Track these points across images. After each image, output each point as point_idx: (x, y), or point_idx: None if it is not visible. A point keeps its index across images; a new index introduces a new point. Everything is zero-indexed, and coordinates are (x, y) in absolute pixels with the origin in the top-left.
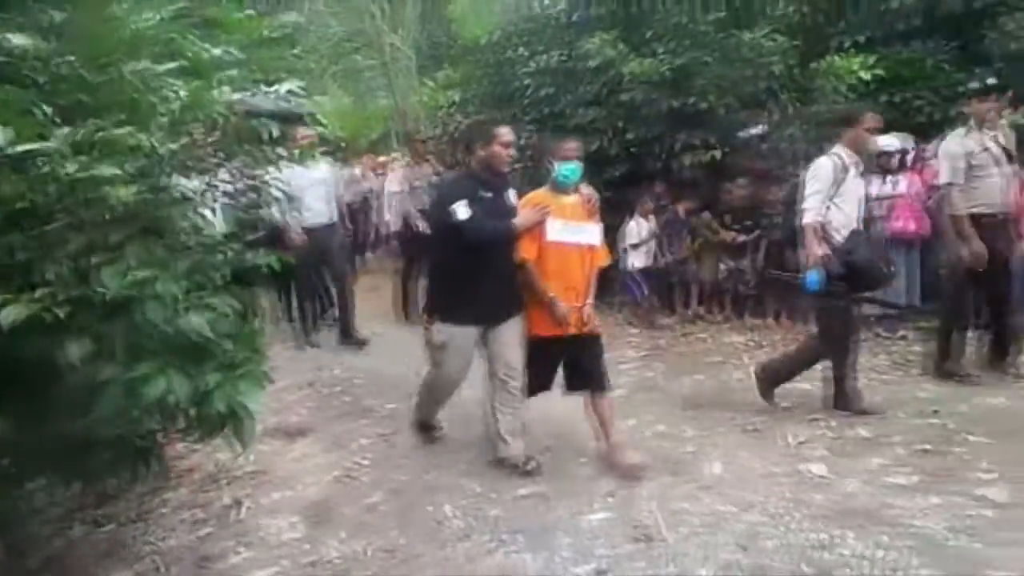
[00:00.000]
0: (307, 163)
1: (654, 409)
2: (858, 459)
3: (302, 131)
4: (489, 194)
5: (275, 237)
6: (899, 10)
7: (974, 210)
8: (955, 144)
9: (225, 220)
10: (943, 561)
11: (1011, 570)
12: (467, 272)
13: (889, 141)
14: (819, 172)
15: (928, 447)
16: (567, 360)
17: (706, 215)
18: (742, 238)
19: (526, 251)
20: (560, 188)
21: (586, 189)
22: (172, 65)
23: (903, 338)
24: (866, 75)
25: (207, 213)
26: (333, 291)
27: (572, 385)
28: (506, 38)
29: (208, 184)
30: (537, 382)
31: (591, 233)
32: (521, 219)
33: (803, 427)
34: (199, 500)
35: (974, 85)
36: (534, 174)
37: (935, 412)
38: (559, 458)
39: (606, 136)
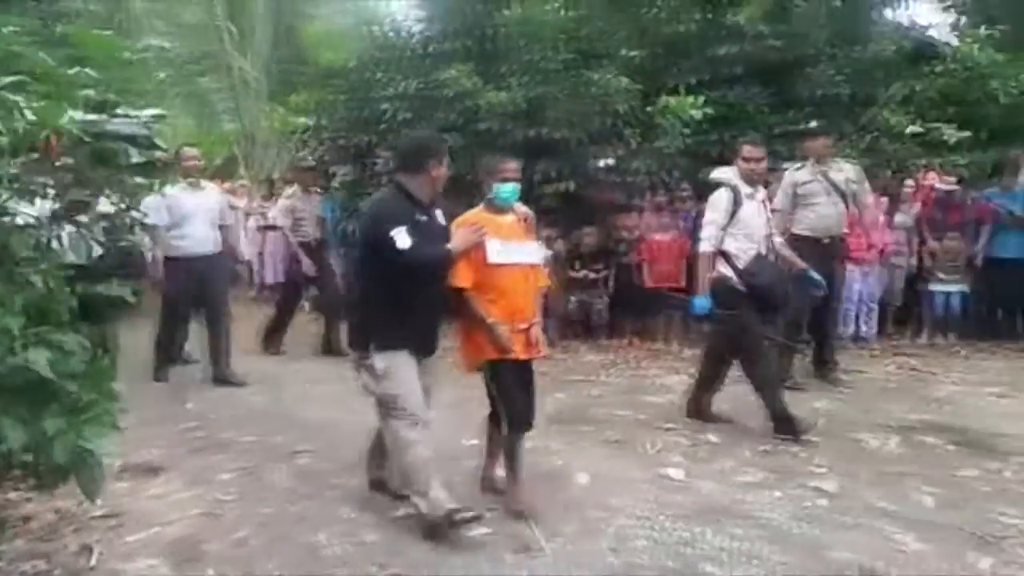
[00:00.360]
0: (190, 187)
1: None
2: (711, 462)
3: (187, 152)
4: (424, 217)
5: (137, 268)
6: (723, 58)
7: (802, 233)
8: (788, 175)
9: (77, 249)
10: (790, 547)
11: (845, 550)
12: (402, 299)
13: (725, 174)
14: (714, 202)
15: (768, 448)
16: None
17: (559, 246)
18: (592, 276)
19: (462, 278)
20: (496, 208)
21: (520, 207)
22: (12, 79)
23: None
24: (698, 115)
25: (55, 241)
26: (205, 326)
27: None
28: (363, 65)
29: (57, 210)
30: (520, 410)
31: (533, 252)
32: (458, 241)
33: (660, 436)
34: (40, 550)
35: (812, 125)
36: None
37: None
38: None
39: (464, 163)
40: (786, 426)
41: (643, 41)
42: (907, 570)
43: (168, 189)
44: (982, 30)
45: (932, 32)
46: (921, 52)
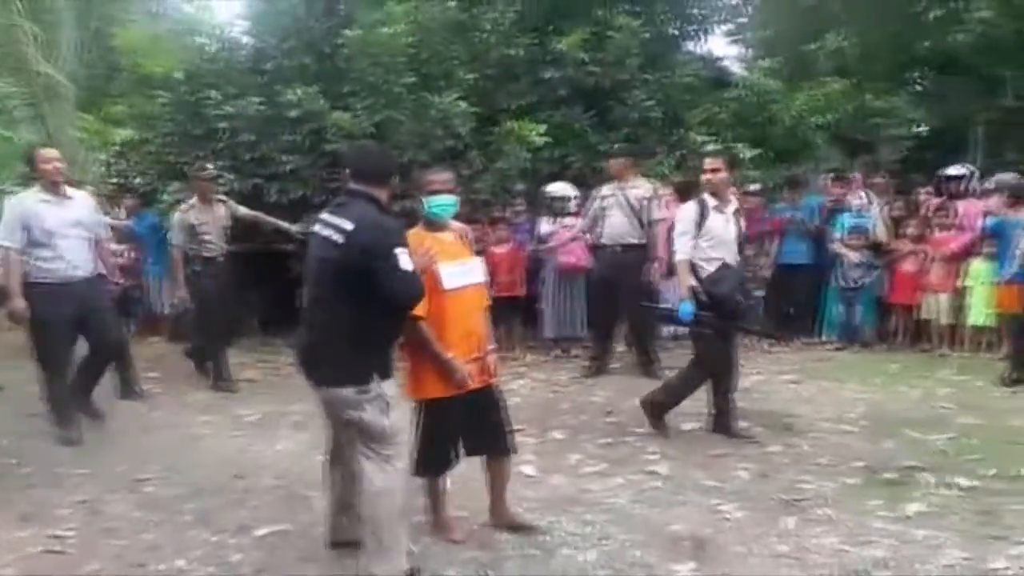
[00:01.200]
0: (53, 197)
1: None
2: (559, 457)
3: (45, 154)
4: None
5: None
6: (550, 81)
7: (601, 242)
8: (595, 192)
9: None
10: (633, 526)
11: (680, 524)
12: (394, 324)
13: (561, 189)
14: (682, 215)
15: (610, 440)
16: (466, 421)
17: None
18: None
19: (418, 307)
20: (435, 226)
21: (455, 223)
22: None
23: (576, 356)
24: (538, 138)
25: None
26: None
27: (471, 448)
28: (191, 77)
29: None
30: (437, 456)
31: (479, 270)
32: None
33: None
34: None
35: (620, 146)
36: None
37: (609, 412)
38: (293, 494)
39: (310, 184)
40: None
41: (477, 65)
42: (730, 535)
43: (23, 200)
44: (765, 61)
45: (726, 63)
46: (718, 80)
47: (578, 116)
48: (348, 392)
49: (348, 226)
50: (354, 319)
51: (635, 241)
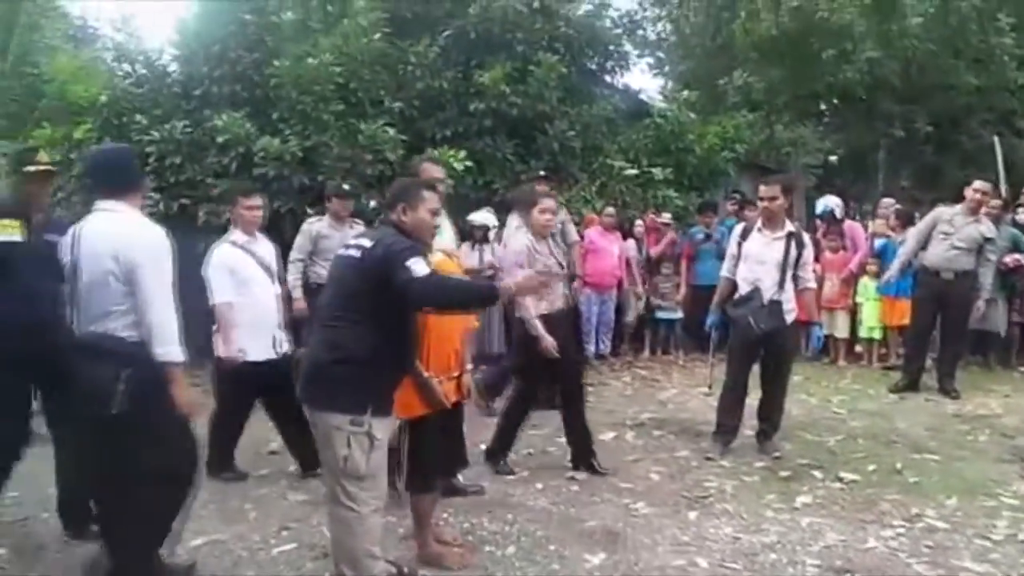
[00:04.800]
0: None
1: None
2: (486, 467)
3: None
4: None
5: None
6: (475, 112)
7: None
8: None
9: None
10: (551, 524)
11: (594, 520)
12: (399, 353)
13: (483, 217)
14: (733, 237)
15: (532, 451)
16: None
17: None
18: None
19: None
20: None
21: (446, 243)
22: None
23: None
24: (459, 165)
25: None
26: None
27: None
28: (116, 102)
29: None
30: (424, 473)
31: None
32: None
33: None
34: None
35: (541, 173)
36: None
37: (534, 425)
38: (227, 504)
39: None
40: None
41: (404, 95)
42: (639, 528)
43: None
44: (684, 93)
45: (646, 95)
46: (638, 111)
47: (501, 145)
48: (341, 419)
49: (367, 243)
50: (361, 338)
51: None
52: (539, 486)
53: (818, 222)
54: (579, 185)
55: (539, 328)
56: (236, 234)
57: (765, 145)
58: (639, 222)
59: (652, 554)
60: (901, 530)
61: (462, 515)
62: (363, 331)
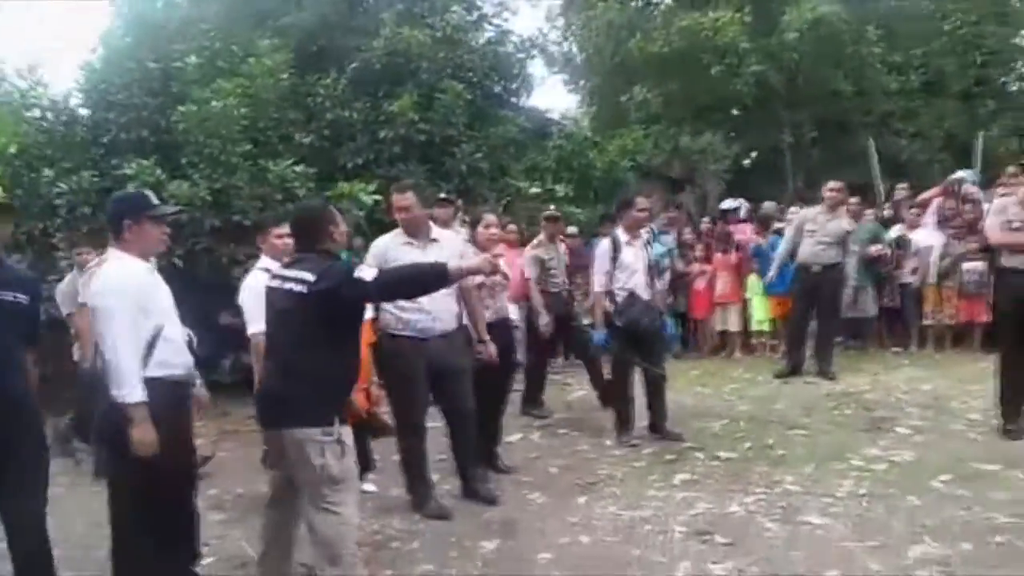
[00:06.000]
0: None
1: None
2: (398, 474)
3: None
4: None
5: None
6: (384, 140)
7: None
8: None
9: None
10: (456, 520)
11: (495, 512)
12: (349, 365)
13: None
14: (599, 252)
15: (443, 456)
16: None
17: None
18: None
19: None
20: None
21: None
22: None
23: None
24: (367, 198)
25: None
26: None
27: None
28: (25, 151)
29: None
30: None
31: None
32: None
33: None
34: None
35: (442, 196)
36: None
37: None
38: None
39: None
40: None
41: (314, 127)
42: (533, 515)
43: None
44: (583, 110)
45: (552, 113)
46: (543, 130)
47: (412, 170)
48: (312, 432)
49: (310, 277)
50: (318, 360)
51: None
52: (447, 487)
53: (704, 227)
54: (487, 205)
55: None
56: (266, 261)
57: (672, 155)
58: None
59: (541, 536)
60: (762, 496)
61: (372, 518)
62: (316, 353)
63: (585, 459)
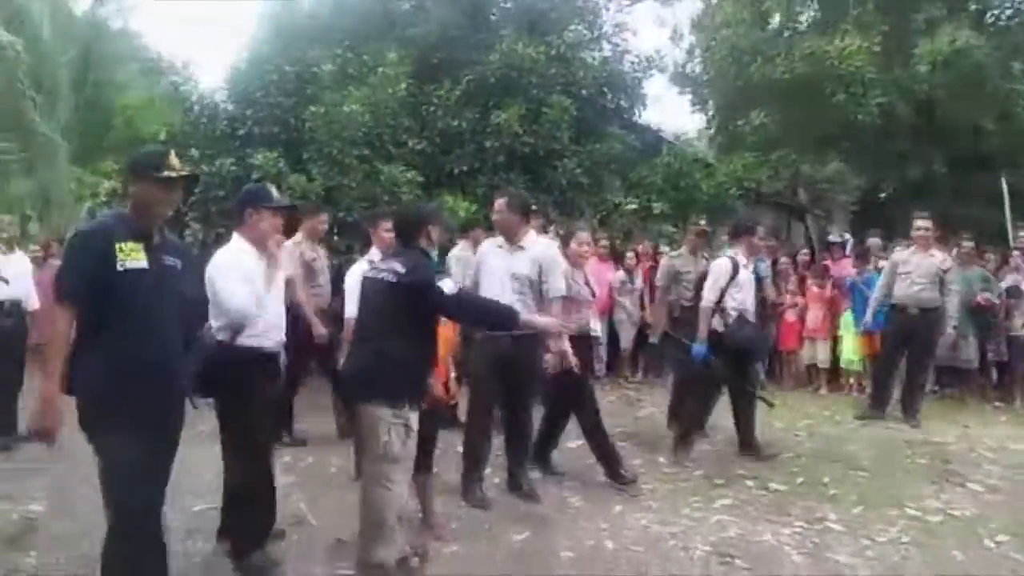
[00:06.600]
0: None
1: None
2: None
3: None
4: None
5: None
6: (490, 150)
7: None
8: None
9: None
10: (496, 511)
11: (532, 508)
12: (427, 354)
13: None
14: (716, 269)
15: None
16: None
17: None
18: None
19: None
20: None
21: None
22: None
23: None
24: (463, 212)
25: None
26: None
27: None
28: (174, 138)
29: None
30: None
31: None
32: None
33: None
34: None
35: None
36: None
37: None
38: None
39: None
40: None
41: (425, 134)
42: (567, 516)
43: None
44: (693, 132)
45: (667, 132)
46: (655, 146)
47: (514, 180)
48: (385, 411)
49: (401, 268)
50: (399, 346)
51: None
52: (496, 480)
53: (800, 258)
54: (582, 219)
55: (566, 343)
56: (374, 252)
57: (793, 182)
58: (629, 253)
59: (569, 536)
60: (799, 529)
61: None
62: (399, 339)
63: (635, 473)
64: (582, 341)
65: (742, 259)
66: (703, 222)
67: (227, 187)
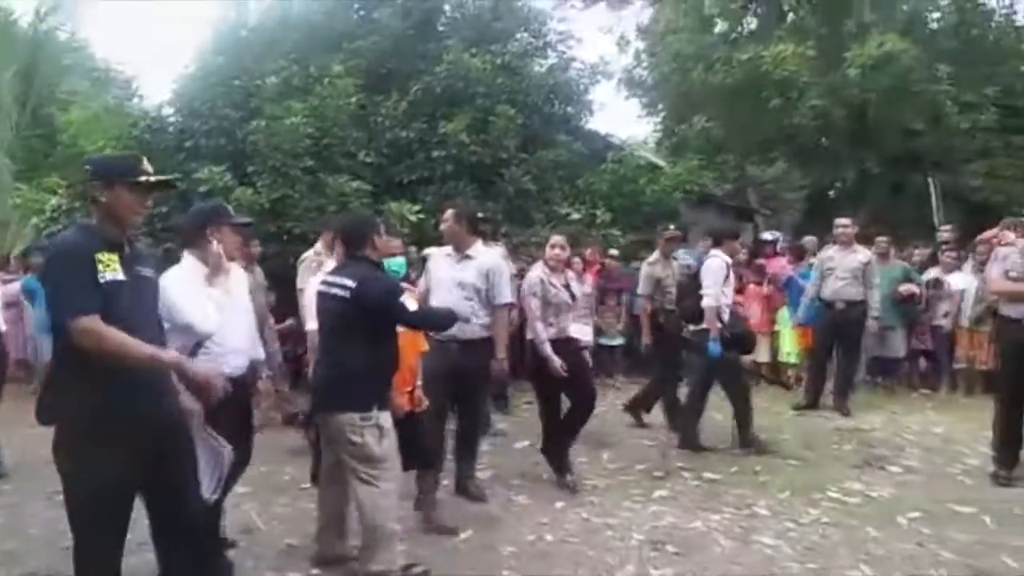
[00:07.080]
0: None
1: None
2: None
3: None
4: None
5: None
6: (438, 159)
7: None
8: None
9: None
10: (445, 512)
11: (479, 508)
12: (388, 360)
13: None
14: (714, 270)
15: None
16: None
17: None
18: None
19: None
20: None
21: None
22: None
23: None
24: (413, 217)
25: None
26: None
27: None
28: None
29: None
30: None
31: None
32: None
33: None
34: None
35: (480, 215)
36: None
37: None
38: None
39: None
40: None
41: (374, 145)
42: (512, 514)
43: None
44: (643, 137)
45: (615, 137)
46: (602, 153)
47: (463, 190)
48: (352, 417)
49: (351, 283)
50: (358, 355)
51: None
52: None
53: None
54: (533, 228)
55: (548, 350)
56: (328, 264)
57: (740, 183)
58: (576, 259)
59: (511, 531)
60: (728, 516)
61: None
62: (358, 349)
63: (578, 470)
64: (566, 344)
65: (729, 260)
66: (672, 227)
67: (170, 202)
